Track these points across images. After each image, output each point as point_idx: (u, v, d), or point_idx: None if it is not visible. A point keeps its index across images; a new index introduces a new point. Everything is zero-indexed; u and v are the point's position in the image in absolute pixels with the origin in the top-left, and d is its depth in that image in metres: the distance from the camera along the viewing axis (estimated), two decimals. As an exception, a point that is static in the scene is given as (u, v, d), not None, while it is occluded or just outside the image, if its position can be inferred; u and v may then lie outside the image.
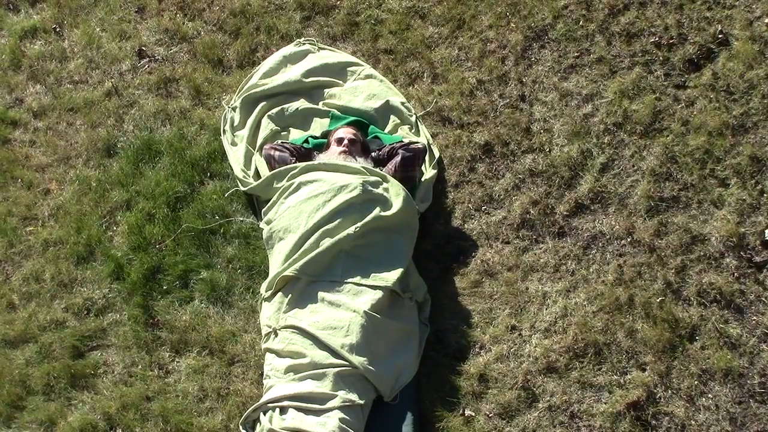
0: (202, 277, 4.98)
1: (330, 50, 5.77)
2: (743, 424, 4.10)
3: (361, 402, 4.23)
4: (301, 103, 5.49)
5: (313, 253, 4.58)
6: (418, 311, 4.66)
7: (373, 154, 5.09)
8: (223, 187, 5.31)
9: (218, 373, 4.67)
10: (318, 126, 5.40)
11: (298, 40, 5.82)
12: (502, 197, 5.01)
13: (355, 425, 4.17)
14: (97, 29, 6.25)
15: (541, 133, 5.12)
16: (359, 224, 4.64)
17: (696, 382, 4.21)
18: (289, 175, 4.93)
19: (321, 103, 5.51)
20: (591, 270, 4.64)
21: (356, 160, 4.99)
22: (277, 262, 4.71)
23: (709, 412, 4.14)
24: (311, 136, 5.29)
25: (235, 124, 5.49)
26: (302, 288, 4.56)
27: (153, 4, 6.29)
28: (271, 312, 4.59)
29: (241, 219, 5.18)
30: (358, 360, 4.29)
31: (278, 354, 4.43)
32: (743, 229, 4.52)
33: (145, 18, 6.27)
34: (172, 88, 5.88)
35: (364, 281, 4.55)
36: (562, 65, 5.30)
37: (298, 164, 4.97)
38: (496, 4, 5.63)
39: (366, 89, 5.47)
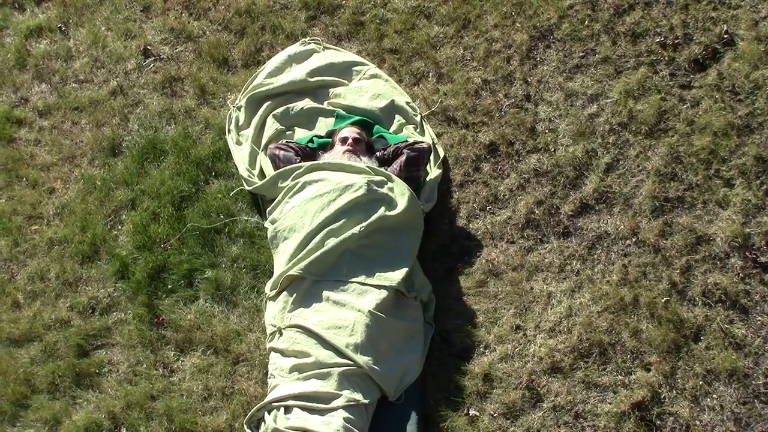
0: (207, 276, 4.98)
1: (335, 50, 5.77)
2: (748, 425, 4.09)
3: (366, 401, 4.24)
4: (306, 103, 5.49)
5: (318, 253, 4.58)
6: (422, 311, 4.66)
7: (377, 153, 5.09)
8: (228, 187, 5.31)
9: (223, 372, 4.67)
10: (323, 125, 5.41)
11: (303, 39, 5.82)
12: (507, 197, 5.01)
13: (360, 424, 4.17)
14: (103, 28, 6.26)
15: (546, 133, 5.12)
16: (364, 224, 4.65)
17: (701, 383, 4.21)
18: (293, 174, 4.94)
19: (326, 102, 5.51)
20: (596, 270, 4.64)
21: (361, 159, 4.99)
22: (281, 261, 4.71)
23: (713, 412, 4.14)
24: (316, 136, 5.30)
25: (240, 123, 5.50)
26: (307, 287, 4.57)
27: (158, 4, 6.30)
28: (275, 311, 4.59)
29: (246, 218, 5.18)
30: (362, 359, 4.29)
31: (283, 353, 4.43)
32: (748, 230, 4.51)
33: (151, 17, 6.28)
34: (177, 88, 5.89)
35: (369, 281, 4.55)
36: (567, 65, 5.29)
37: (302, 164, 4.97)
38: (501, 4, 5.63)
39: (371, 89, 5.48)
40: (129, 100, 5.87)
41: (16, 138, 5.87)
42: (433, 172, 5.08)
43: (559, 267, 4.70)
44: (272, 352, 4.50)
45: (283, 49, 5.83)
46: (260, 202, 5.21)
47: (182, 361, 4.77)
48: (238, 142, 5.44)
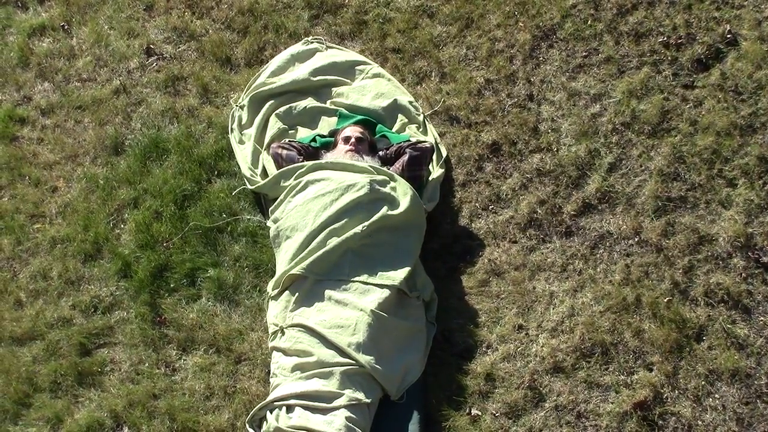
0: (209, 275, 4.98)
1: (338, 49, 5.77)
2: (750, 425, 4.09)
3: (368, 401, 4.24)
4: (309, 102, 5.49)
5: (320, 252, 4.58)
6: (425, 310, 4.66)
7: (380, 153, 5.09)
8: (231, 186, 5.31)
9: (225, 371, 4.67)
10: (326, 125, 5.41)
11: (306, 38, 5.82)
12: (509, 196, 5.00)
13: (362, 424, 4.17)
14: (106, 27, 6.27)
15: (548, 133, 5.11)
16: (366, 223, 4.65)
17: (703, 383, 4.20)
18: (296, 173, 4.94)
19: (329, 101, 5.51)
20: (598, 270, 4.64)
21: (363, 158, 5.00)
22: (284, 260, 4.71)
23: (716, 412, 4.13)
24: (319, 135, 5.30)
25: (243, 122, 5.50)
26: (309, 287, 4.57)
27: (161, 2, 6.30)
28: (278, 310, 4.60)
29: (249, 217, 5.18)
30: (364, 359, 4.29)
31: (285, 352, 4.44)
32: (751, 230, 4.51)
33: (154, 16, 6.28)
34: (180, 86, 5.89)
35: (371, 280, 4.55)
36: (570, 65, 5.29)
37: (305, 163, 4.97)
38: (504, 3, 5.63)
39: (374, 88, 5.48)
40: (132, 98, 5.88)
41: (19, 136, 5.88)
42: (436, 171, 5.08)
43: (561, 267, 4.70)
44: (274, 351, 4.50)
45: (285, 48, 5.83)
46: (263, 202, 5.21)
47: (184, 360, 4.77)
48: (241, 141, 5.44)
